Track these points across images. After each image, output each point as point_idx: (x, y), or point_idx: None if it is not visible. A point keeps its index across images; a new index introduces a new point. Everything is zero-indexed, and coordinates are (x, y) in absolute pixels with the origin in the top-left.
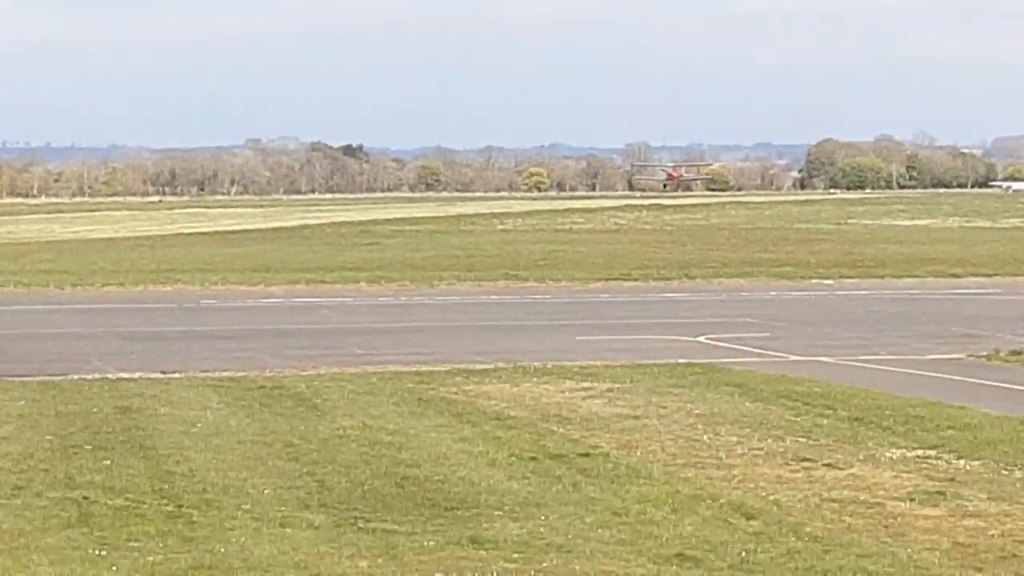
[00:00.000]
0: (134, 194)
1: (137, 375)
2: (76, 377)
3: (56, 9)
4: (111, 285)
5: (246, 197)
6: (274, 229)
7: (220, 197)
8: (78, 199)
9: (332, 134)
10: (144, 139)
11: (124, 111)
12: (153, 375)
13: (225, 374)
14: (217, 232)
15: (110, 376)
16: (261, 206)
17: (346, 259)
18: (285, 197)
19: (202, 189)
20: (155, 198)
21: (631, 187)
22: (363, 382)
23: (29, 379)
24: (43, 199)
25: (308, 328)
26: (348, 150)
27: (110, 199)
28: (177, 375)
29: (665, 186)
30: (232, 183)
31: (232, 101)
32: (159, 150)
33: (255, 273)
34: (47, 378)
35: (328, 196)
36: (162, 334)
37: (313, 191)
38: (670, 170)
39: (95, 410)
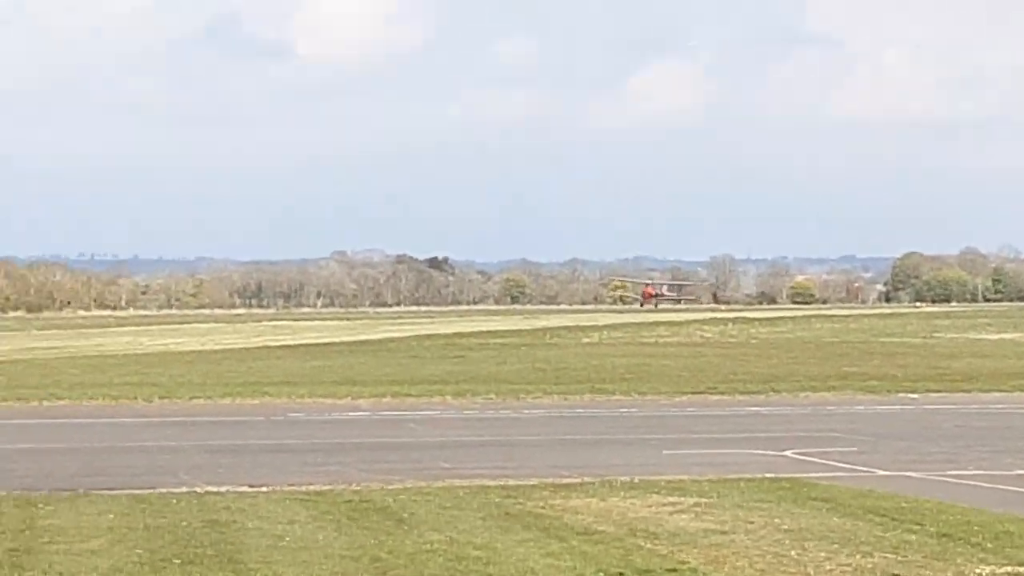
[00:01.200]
0: (221, 306)
1: (225, 488)
2: (164, 491)
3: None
4: (198, 398)
5: (332, 309)
6: (360, 342)
7: (306, 309)
8: (165, 311)
9: (417, 246)
10: (230, 251)
11: (211, 223)
12: (241, 488)
13: (312, 488)
14: (302, 345)
15: (198, 490)
16: (347, 319)
17: (432, 372)
18: (371, 310)
19: (288, 301)
20: (241, 311)
21: (715, 300)
22: (450, 496)
23: (118, 492)
24: (131, 311)
25: (394, 442)
26: (433, 262)
27: (196, 311)
28: (264, 489)
29: (642, 304)
30: (318, 295)
31: (318, 214)
32: (245, 262)
33: (341, 386)
34: (135, 492)
35: (413, 308)
36: (249, 447)
37: (399, 303)
38: (647, 287)
39: (183, 524)
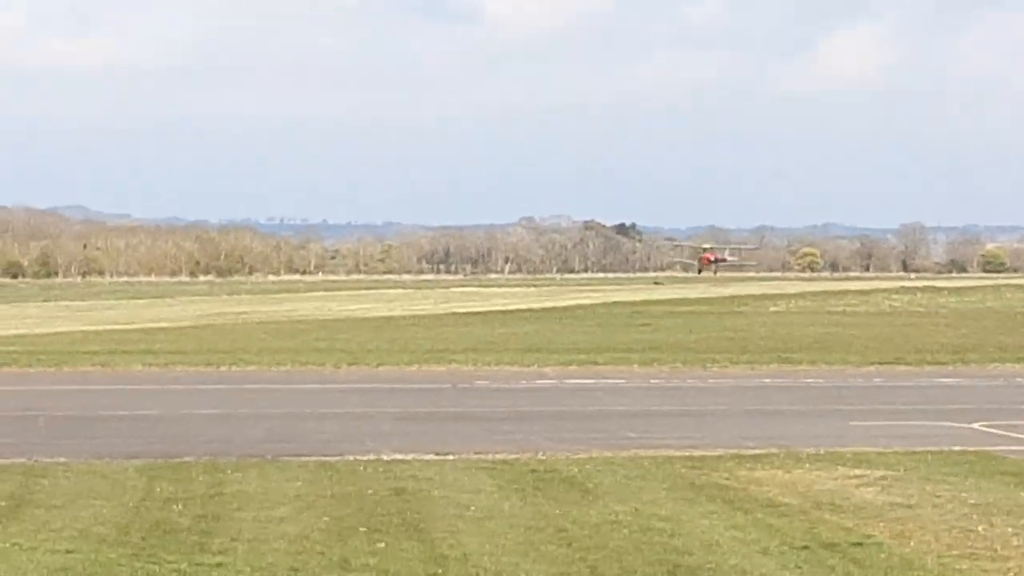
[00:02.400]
0: (409, 271)
1: (411, 456)
2: (351, 458)
3: (333, 87)
4: (386, 364)
5: (519, 276)
6: (547, 309)
7: (494, 275)
8: (354, 276)
9: (605, 213)
10: (419, 216)
11: (400, 189)
12: (427, 456)
13: (498, 456)
14: (490, 311)
15: (384, 457)
16: (534, 285)
17: (619, 340)
18: (558, 276)
19: (475, 267)
20: (429, 276)
21: (904, 268)
22: (635, 467)
23: (305, 459)
24: (320, 276)
25: (580, 411)
26: (621, 229)
27: (384, 277)
28: (451, 457)
29: (700, 270)
30: (506, 261)
31: (506, 179)
32: (434, 227)
33: (528, 353)
34: (323, 458)
35: (601, 275)
36: (436, 415)
37: (586, 270)
38: (705, 253)
39: (370, 492)
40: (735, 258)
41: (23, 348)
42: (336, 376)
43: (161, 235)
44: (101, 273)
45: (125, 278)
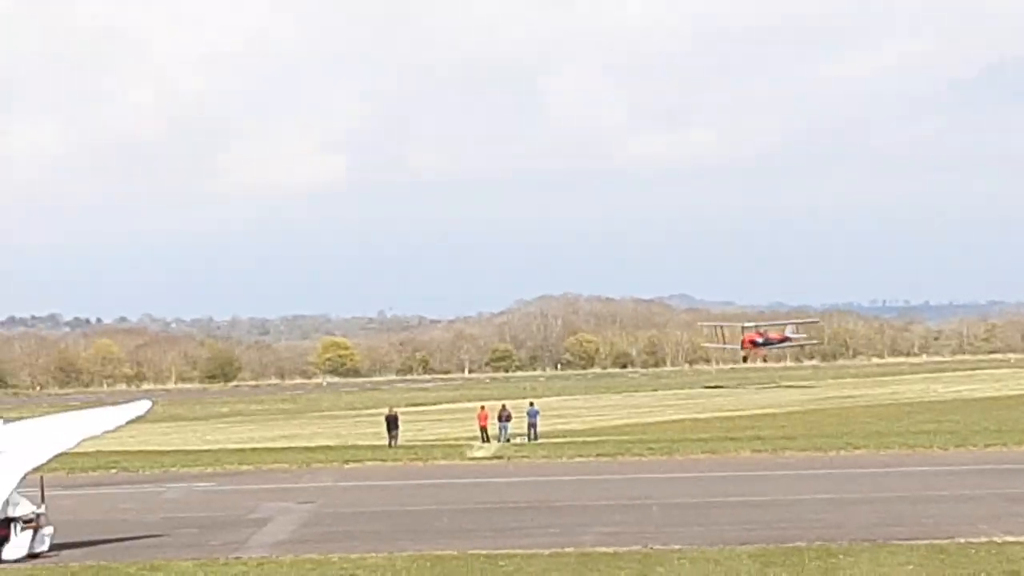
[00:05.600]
0: (1014, 350)
1: None
2: (962, 540)
3: (920, 170)
4: (995, 445)
5: None
6: None
7: None
8: (958, 356)
9: None
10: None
11: (1001, 268)
12: None
13: None
14: None
15: (997, 540)
16: None
17: None
18: None
19: None
20: None
21: None
22: None
23: (916, 542)
24: (923, 358)
25: None
26: None
27: (989, 356)
28: None
29: (745, 358)
30: None
31: None
32: None
33: None
34: (933, 541)
35: None
36: None
37: None
38: (751, 333)
39: (981, 575)
40: (782, 336)
41: (634, 437)
42: (944, 458)
43: (764, 319)
44: (707, 361)
45: (731, 365)
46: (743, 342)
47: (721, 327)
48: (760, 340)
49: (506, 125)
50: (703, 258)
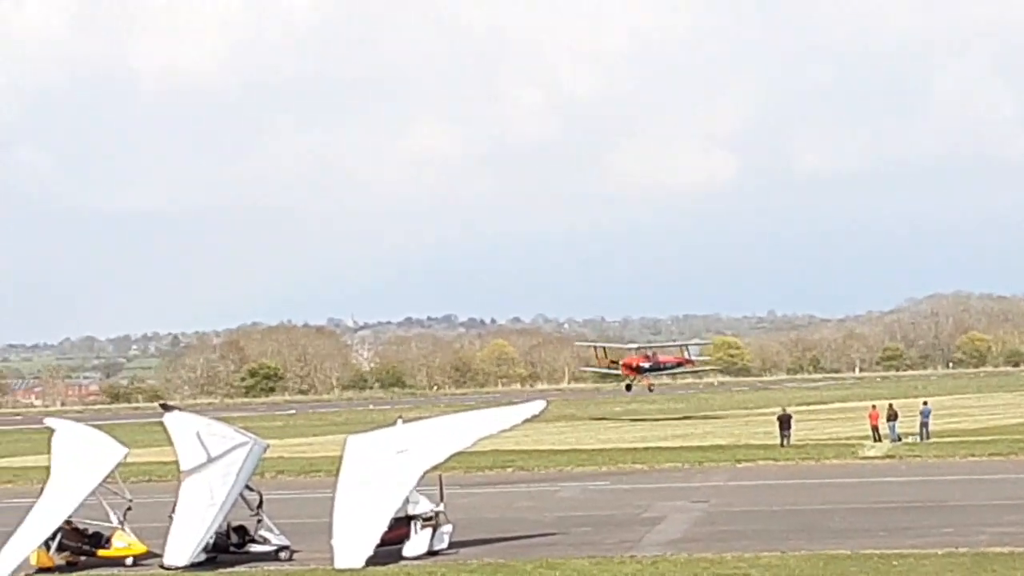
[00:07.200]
0: None
1: None
2: None
3: None
4: None
5: None
6: None
7: None
8: None
9: None
10: None
11: None
12: None
13: None
14: None
15: None
16: None
17: None
18: None
19: None
20: None
21: None
22: None
23: None
24: None
25: None
26: None
27: None
28: None
29: (629, 387)
30: None
31: None
32: None
33: None
34: None
35: None
36: None
37: None
38: (632, 355)
39: None
40: (668, 357)
41: None
42: None
43: None
44: None
45: None
46: (624, 365)
47: (603, 347)
48: (645, 365)
49: (891, 118)
50: None
